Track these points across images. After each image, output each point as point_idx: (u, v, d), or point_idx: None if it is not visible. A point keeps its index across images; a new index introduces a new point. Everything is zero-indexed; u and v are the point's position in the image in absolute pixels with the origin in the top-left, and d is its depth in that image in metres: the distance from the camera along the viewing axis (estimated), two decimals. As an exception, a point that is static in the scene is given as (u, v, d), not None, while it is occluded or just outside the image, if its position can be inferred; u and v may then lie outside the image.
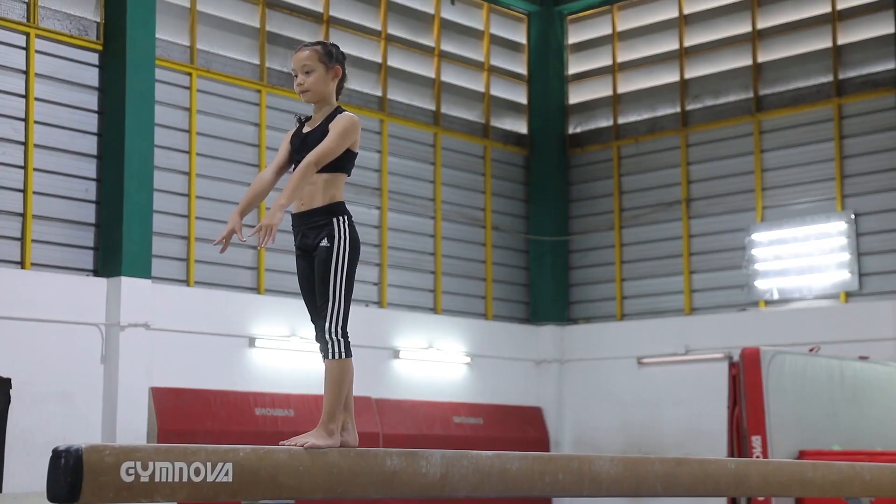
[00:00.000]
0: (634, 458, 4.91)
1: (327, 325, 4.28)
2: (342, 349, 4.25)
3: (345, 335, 4.30)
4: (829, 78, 14.44)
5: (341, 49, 4.69)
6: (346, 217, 4.39)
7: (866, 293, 13.89)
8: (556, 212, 16.43)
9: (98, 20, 12.28)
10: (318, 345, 4.35)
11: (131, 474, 3.50)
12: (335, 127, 4.38)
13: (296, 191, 4.25)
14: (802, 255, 14.41)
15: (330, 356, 4.25)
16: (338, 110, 4.50)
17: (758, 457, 9.79)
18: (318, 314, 4.37)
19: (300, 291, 4.52)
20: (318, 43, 4.57)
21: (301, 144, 4.44)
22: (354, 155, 4.45)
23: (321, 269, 4.32)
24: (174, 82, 12.85)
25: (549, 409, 15.93)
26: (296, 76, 4.49)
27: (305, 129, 4.49)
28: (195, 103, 12.98)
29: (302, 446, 4.05)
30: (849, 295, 14.02)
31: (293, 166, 4.48)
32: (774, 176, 14.77)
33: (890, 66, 13.89)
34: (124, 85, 11.94)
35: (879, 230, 13.89)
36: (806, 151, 14.59)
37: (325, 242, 4.33)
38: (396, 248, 14.86)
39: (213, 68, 13.27)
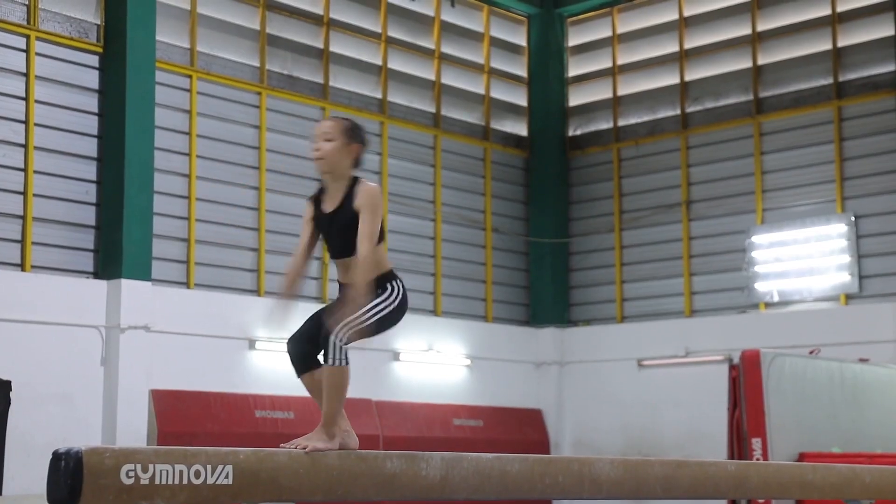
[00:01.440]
0: (634, 461, 4.91)
1: (338, 327, 4.24)
2: (343, 356, 4.27)
3: (345, 345, 4.29)
4: (829, 80, 14.45)
5: (361, 127, 4.54)
6: (397, 281, 4.45)
7: (866, 295, 13.89)
8: (556, 214, 16.43)
9: (98, 22, 12.28)
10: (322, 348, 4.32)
11: (131, 477, 3.50)
12: (365, 207, 4.31)
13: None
14: (802, 258, 14.42)
15: (331, 362, 4.27)
16: (356, 181, 4.42)
17: (758, 459, 9.78)
18: (327, 318, 4.31)
19: (318, 310, 4.48)
20: (345, 119, 4.53)
21: (330, 225, 4.42)
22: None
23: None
24: (174, 84, 12.86)
25: (549, 411, 15.93)
26: (314, 142, 4.45)
27: (327, 209, 4.45)
28: (195, 105, 12.99)
29: (302, 449, 4.07)
30: (849, 297, 14.02)
31: (318, 243, 4.59)
32: (774, 178, 14.78)
33: (890, 68, 13.89)
34: (124, 87, 11.94)
35: (879, 232, 13.89)
36: (806, 153, 14.59)
37: (380, 291, 4.38)
38: (396, 251, 14.86)
39: (213, 71, 13.28)
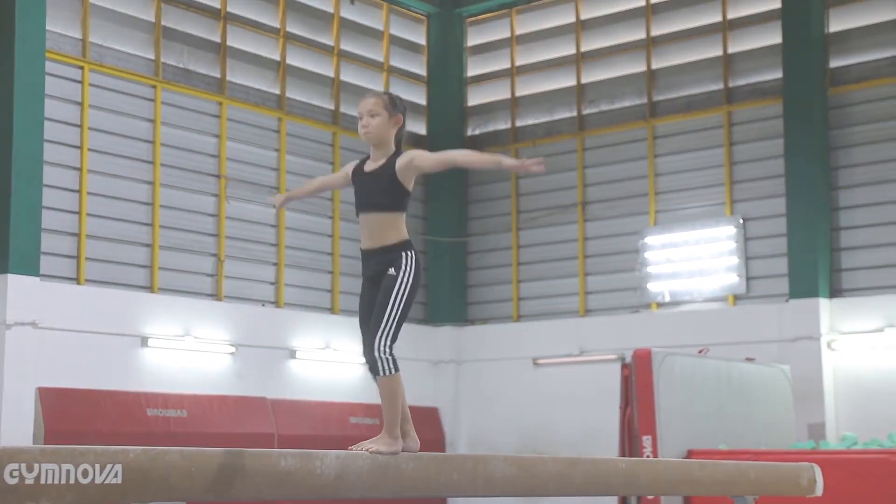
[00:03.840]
0: (528, 458, 4.96)
1: (377, 341, 4.62)
2: (391, 366, 4.64)
3: (391, 352, 4.66)
4: (719, 85, 14.81)
5: (400, 96, 4.93)
6: (413, 252, 4.77)
7: (753, 296, 14.26)
8: (455, 213, 16.51)
9: (-14, 10, 11.92)
10: (366, 361, 4.70)
11: (16, 476, 3.41)
12: (415, 156, 4.74)
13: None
14: (693, 259, 14.74)
15: (381, 373, 4.63)
16: (399, 152, 4.81)
17: (648, 456, 9.97)
18: (368, 333, 4.68)
19: (359, 315, 4.80)
20: (385, 93, 4.93)
21: (365, 180, 4.79)
22: (409, 194, 4.81)
23: (383, 293, 4.68)
24: (65, 76, 12.56)
25: (445, 410, 15.99)
26: (360, 118, 4.81)
27: (368, 168, 4.82)
28: (87, 97, 12.70)
29: (367, 451, 4.42)
30: (737, 298, 14.38)
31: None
32: (667, 180, 15.08)
33: (777, 74, 14.28)
34: (13, 78, 11.62)
35: (766, 235, 14.27)
36: (697, 157, 14.93)
37: (391, 272, 4.70)
38: (294, 248, 14.76)
39: (107, 62, 13.00)
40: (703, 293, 14.64)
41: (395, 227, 4.72)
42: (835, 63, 14.05)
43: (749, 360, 12.28)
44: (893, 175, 13.48)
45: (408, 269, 4.70)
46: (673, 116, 15.12)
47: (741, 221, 14.40)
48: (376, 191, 4.71)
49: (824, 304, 13.38)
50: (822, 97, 13.85)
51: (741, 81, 14.74)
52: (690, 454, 10.17)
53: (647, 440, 10.02)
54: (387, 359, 4.63)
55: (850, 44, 14.01)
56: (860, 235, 13.61)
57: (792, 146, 13.82)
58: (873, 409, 12.82)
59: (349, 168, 4.90)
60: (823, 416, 12.96)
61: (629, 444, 10.42)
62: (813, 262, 13.45)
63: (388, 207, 4.71)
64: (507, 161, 4.52)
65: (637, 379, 10.17)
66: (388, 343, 4.64)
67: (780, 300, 13.90)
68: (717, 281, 14.55)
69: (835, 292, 13.55)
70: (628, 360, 10.64)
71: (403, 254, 4.71)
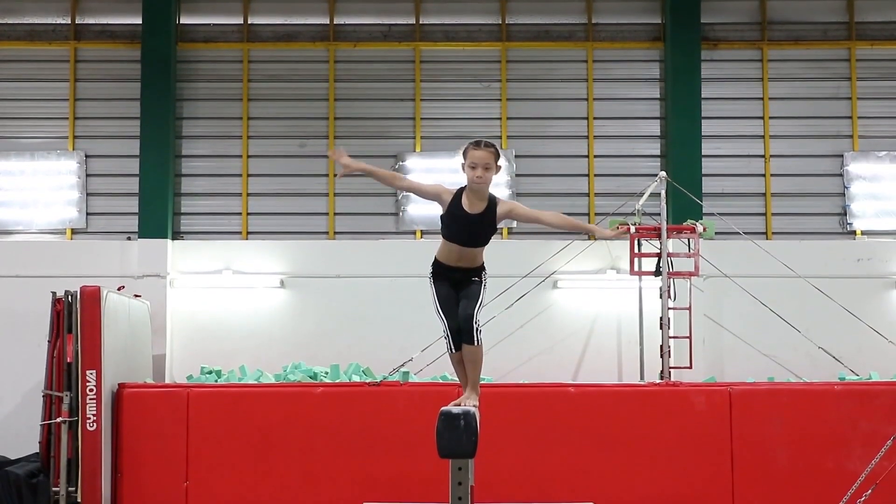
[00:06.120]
0: None
1: (475, 321, 6.07)
2: (481, 336, 6.11)
3: (481, 328, 6.17)
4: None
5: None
6: (485, 270, 6.44)
7: (92, 231, 14.60)
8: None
9: None
10: (453, 335, 6.12)
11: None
12: (515, 205, 6.28)
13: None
14: (29, 189, 14.58)
15: (475, 343, 6.05)
16: (493, 197, 6.11)
17: (91, 390, 10.15)
18: (454, 316, 6.08)
19: (442, 305, 6.19)
20: (492, 145, 6.04)
21: (473, 223, 6.03)
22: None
23: (475, 287, 6.25)
24: None
25: None
26: (475, 168, 5.95)
27: (470, 210, 6.01)
28: None
29: (464, 404, 5.81)
30: (75, 231, 14.58)
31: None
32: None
33: (134, 20, 14.78)
34: None
35: (107, 173, 14.73)
36: (38, 88, 14.82)
37: (476, 279, 6.32)
38: None
39: None
40: (37, 224, 14.58)
41: (482, 256, 6.20)
42: (185, 20, 15.01)
43: (120, 288, 12.73)
44: (232, 132, 14.93)
45: (486, 280, 6.32)
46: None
47: (84, 157, 14.66)
48: (481, 233, 6.03)
49: (169, 245, 14.36)
50: (174, 50, 14.71)
51: (90, 20, 14.98)
52: (122, 387, 10.64)
53: (91, 374, 10.22)
54: (479, 330, 6.01)
55: (199, 5, 15.09)
56: (199, 183, 14.83)
57: (147, 93, 14.48)
58: (206, 344, 14.14)
59: (445, 196, 5.94)
60: (164, 349, 13.98)
61: (58, 376, 10.50)
62: (162, 205, 14.35)
63: (486, 244, 6.16)
64: (600, 231, 5.61)
65: (84, 315, 10.28)
66: (480, 321, 5.97)
67: (121, 237, 14.48)
68: (54, 213, 14.59)
69: (176, 235, 14.59)
70: (60, 294, 10.68)
71: (483, 273, 6.32)
